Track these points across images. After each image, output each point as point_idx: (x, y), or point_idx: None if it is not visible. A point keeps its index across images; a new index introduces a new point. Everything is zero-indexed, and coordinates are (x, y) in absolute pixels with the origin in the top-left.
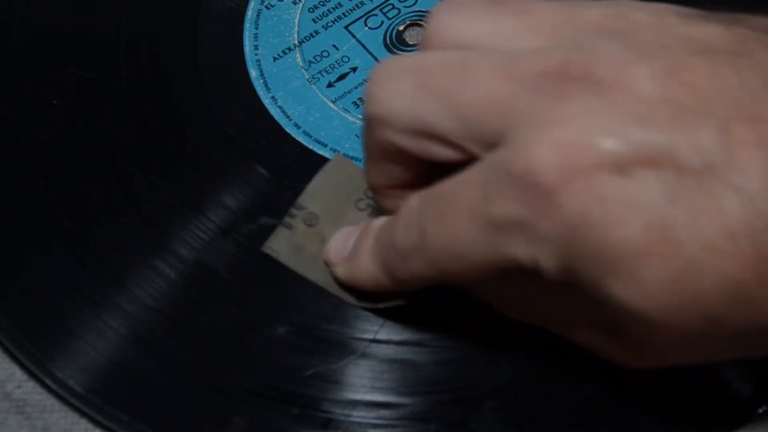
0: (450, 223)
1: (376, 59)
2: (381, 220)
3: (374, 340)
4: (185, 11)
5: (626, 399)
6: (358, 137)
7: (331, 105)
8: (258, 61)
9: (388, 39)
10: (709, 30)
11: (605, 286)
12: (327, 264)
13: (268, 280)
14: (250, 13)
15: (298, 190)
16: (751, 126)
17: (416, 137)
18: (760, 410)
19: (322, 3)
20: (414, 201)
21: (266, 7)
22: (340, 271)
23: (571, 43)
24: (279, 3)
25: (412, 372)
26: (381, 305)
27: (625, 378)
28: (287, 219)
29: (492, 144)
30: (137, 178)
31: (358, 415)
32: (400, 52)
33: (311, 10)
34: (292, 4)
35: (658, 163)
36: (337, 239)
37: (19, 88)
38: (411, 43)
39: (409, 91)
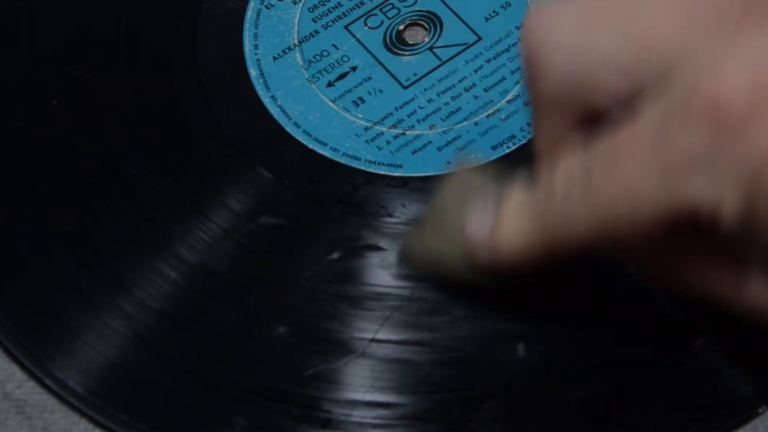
0: (622, 171)
1: (375, 59)
2: (521, 190)
3: (374, 340)
4: (185, 11)
5: (626, 399)
6: (357, 136)
7: (331, 104)
8: (258, 60)
9: (387, 39)
10: None
11: None
12: (464, 242)
13: (268, 280)
14: (250, 13)
15: (298, 190)
16: None
17: (584, 67)
18: (760, 410)
19: (321, 3)
20: (572, 158)
21: (266, 7)
22: (480, 242)
23: None
24: (279, 3)
25: (412, 372)
26: (518, 282)
27: (625, 378)
28: (413, 229)
29: (665, 76)
30: (137, 178)
31: (358, 414)
32: (399, 52)
33: (311, 9)
34: (291, 3)
35: None
36: (471, 213)
37: (19, 88)
38: (411, 42)
39: (575, 19)
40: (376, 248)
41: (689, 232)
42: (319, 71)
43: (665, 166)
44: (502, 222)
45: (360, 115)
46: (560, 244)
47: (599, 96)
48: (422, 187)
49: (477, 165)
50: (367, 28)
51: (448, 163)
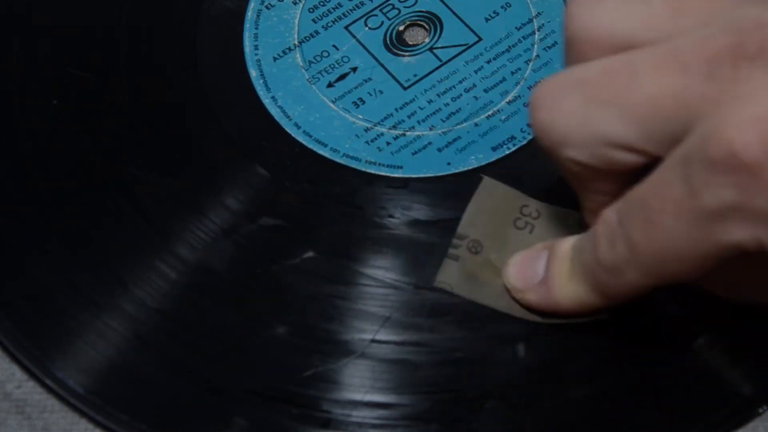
0: (659, 227)
1: (376, 59)
2: (570, 240)
3: (374, 340)
4: (185, 11)
5: (626, 399)
6: (357, 137)
7: (331, 105)
8: (258, 61)
9: (388, 39)
10: None
11: None
12: (512, 291)
13: (268, 280)
14: (250, 14)
15: (298, 191)
16: None
17: (597, 151)
18: (760, 410)
19: (322, 3)
20: (610, 214)
21: (266, 8)
22: (533, 297)
23: (733, 18)
24: (279, 3)
25: (412, 372)
26: (578, 320)
27: (626, 378)
28: (452, 250)
29: (675, 140)
30: (137, 178)
31: (358, 415)
32: (400, 53)
33: (311, 10)
34: (292, 4)
35: None
36: (517, 264)
37: (19, 88)
38: (411, 43)
39: (579, 108)
40: (376, 249)
41: (745, 256)
42: (320, 72)
43: (700, 217)
44: (556, 275)
45: (360, 116)
46: (616, 294)
47: (622, 162)
48: (422, 188)
49: (500, 183)
50: (367, 28)
51: (448, 164)
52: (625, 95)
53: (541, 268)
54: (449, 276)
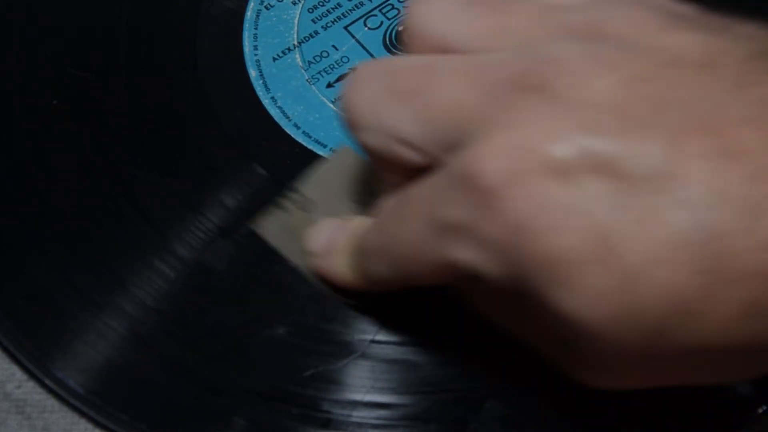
0: (406, 225)
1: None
2: (360, 219)
3: (374, 341)
4: (185, 12)
5: (626, 399)
6: None
7: (331, 105)
8: (257, 61)
9: (387, 39)
10: (684, 39)
11: (547, 294)
12: (307, 252)
13: (268, 280)
14: (249, 14)
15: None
16: (701, 138)
17: (384, 141)
18: (760, 410)
19: (321, 3)
20: (387, 203)
21: (266, 8)
22: (315, 262)
23: (537, 48)
24: (278, 3)
25: (412, 372)
26: (353, 301)
27: None
28: (281, 200)
29: (453, 149)
30: (137, 178)
31: (358, 415)
32: (399, 53)
33: (311, 10)
34: (291, 4)
35: (601, 171)
36: (319, 229)
37: (19, 88)
38: None
39: (376, 95)
40: None
41: (475, 279)
42: (319, 72)
43: (434, 226)
44: (334, 247)
45: None
46: (372, 280)
47: (406, 158)
48: None
49: (359, 156)
50: (366, 28)
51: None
52: (419, 94)
53: (329, 237)
54: (269, 223)
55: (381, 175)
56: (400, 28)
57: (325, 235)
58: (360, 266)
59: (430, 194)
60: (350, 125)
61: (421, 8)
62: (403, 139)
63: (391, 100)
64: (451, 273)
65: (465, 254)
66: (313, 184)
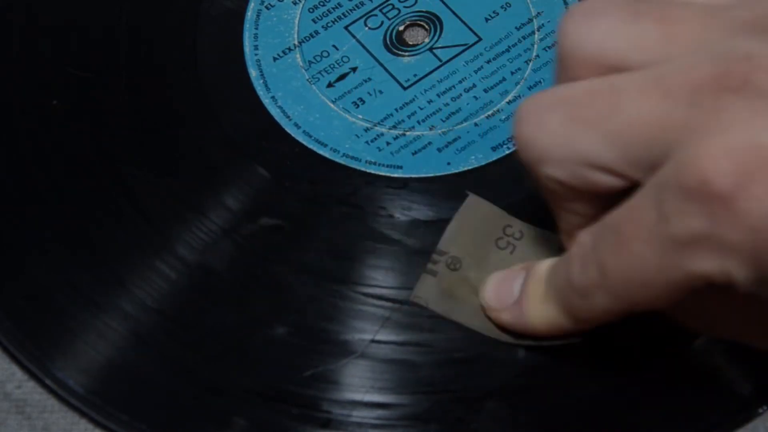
0: (629, 252)
1: (376, 59)
2: (547, 262)
3: (374, 341)
4: (185, 12)
5: (626, 399)
6: (357, 137)
7: (331, 105)
8: (258, 61)
9: (387, 39)
10: None
11: None
12: (486, 309)
13: (268, 280)
14: (249, 14)
15: (298, 191)
16: None
17: (577, 171)
18: (760, 410)
19: (321, 3)
20: (585, 237)
21: (266, 8)
22: (507, 317)
23: (720, 48)
24: (279, 3)
25: (412, 372)
26: (550, 343)
27: (626, 378)
28: (431, 266)
29: (654, 166)
30: (137, 178)
31: (358, 415)
32: (400, 53)
33: (311, 10)
34: (291, 4)
35: None
36: (494, 284)
37: (19, 88)
38: (411, 43)
39: (561, 126)
40: (376, 249)
41: (715, 289)
42: (319, 72)
43: (669, 245)
44: (529, 296)
45: (360, 116)
46: (586, 317)
47: (602, 183)
48: (422, 188)
49: (485, 202)
50: (367, 28)
51: (448, 164)
52: (608, 117)
53: (517, 289)
54: (425, 291)
55: (561, 210)
56: (402, 28)
57: (506, 288)
58: (568, 306)
59: (654, 214)
60: (536, 161)
61: (581, 28)
62: (598, 165)
63: (579, 128)
64: (688, 289)
65: (711, 264)
66: (452, 241)
